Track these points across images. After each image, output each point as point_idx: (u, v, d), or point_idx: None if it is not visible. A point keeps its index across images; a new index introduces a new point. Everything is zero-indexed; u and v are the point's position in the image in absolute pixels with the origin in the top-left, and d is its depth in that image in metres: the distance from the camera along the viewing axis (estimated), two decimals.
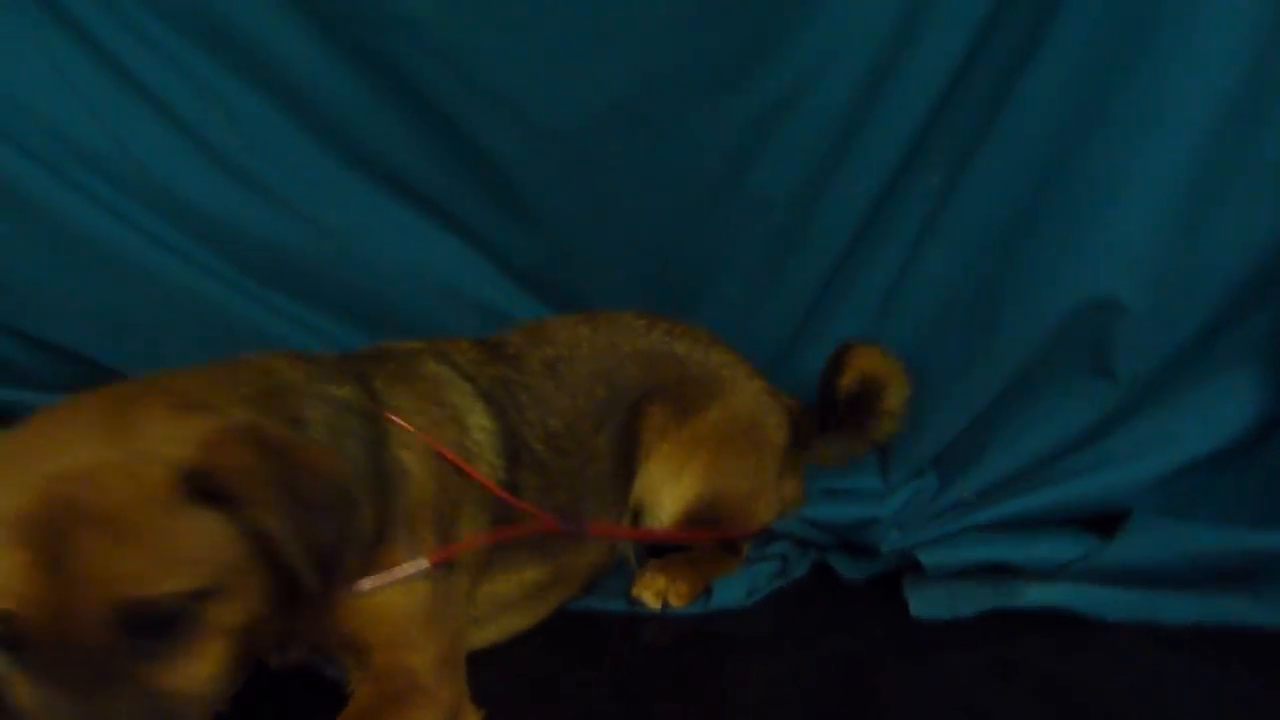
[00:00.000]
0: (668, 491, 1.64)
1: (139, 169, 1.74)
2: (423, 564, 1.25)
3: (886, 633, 1.60)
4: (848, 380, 1.74)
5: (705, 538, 1.68)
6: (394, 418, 1.30)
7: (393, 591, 1.21)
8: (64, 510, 0.90)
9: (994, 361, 1.68)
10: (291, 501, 0.99)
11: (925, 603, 1.59)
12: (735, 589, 1.64)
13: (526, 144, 1.73)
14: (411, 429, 1.30)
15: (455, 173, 1.79)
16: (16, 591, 0.88)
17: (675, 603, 1.61)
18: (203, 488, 0.96)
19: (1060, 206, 1.58)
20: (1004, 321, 1.65)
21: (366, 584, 1.19)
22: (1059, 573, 1.60)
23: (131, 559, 0.91)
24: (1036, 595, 1.57)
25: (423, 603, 1.24)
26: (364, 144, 1.79)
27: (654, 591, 1.61)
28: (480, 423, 1.42)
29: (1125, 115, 1.50)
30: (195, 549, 0.95)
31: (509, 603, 1.48)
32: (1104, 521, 1.64)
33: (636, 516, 1.67)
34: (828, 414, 1.78)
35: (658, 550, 1.70)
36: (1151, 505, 1.62)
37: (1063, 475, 1.66)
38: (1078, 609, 1.55)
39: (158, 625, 0.93)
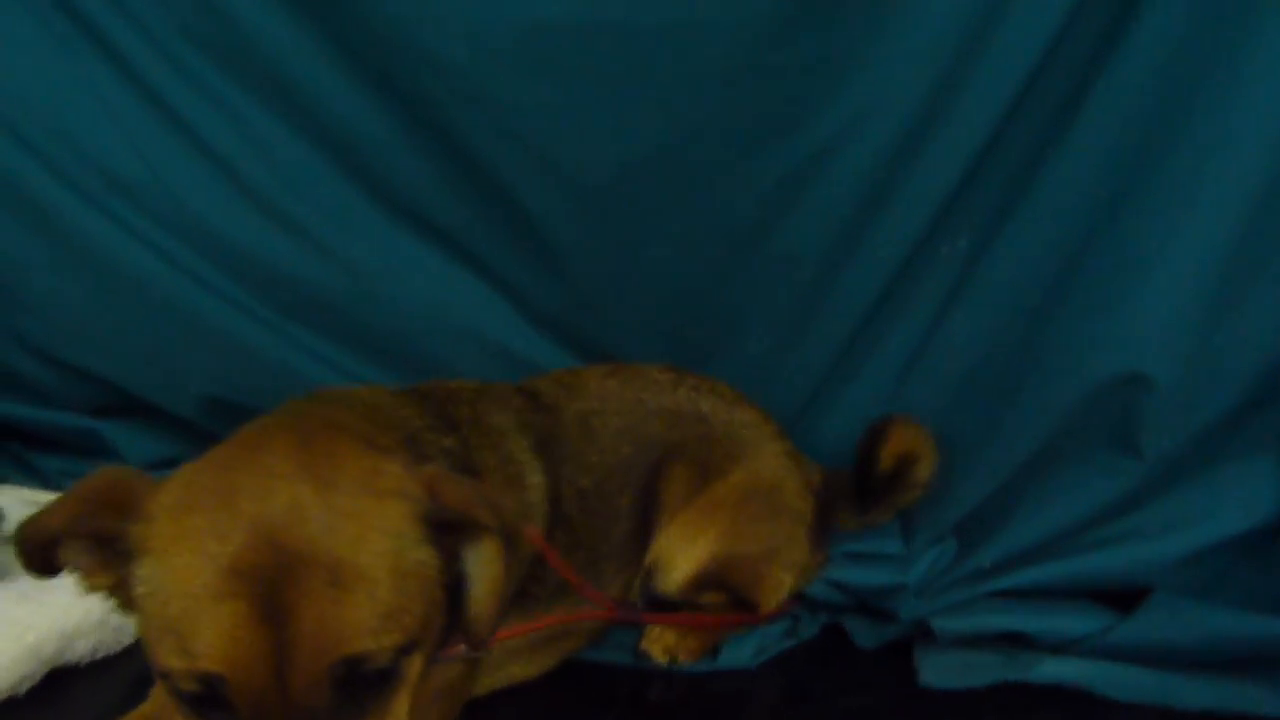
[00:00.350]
0: (682, 554, 1.62)
1: (175, 202, 1.77)
2: (484, 649, 1.17)
3: (895, 699, 1.57)
4: (887, 457, 1.72)
5: (744, 620, 1.66)
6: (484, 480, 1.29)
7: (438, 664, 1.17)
8: (282, 558, 0.84)
9: (1018, 431, 1.66)
10: (506, 563, 0.96)
11: (936, 671, 1.56)
12: (743, 649, 1.62)
13: (556, 192, 1.74)
14: None
15: (484, 217, 1.80)
16: (227, 652, 0.82)
17: (683, 659, 1.59)
18: (440, 528, 0.93)
19: (1090, 279, 1.58)
20: (1029, 391, 1.64)
21: (441, 654, 1.14)
22: (1074, 646, 1.57)
23: (359, 611, 0.86)
24: (1049, 670, 1.53)
25: (454, 673, 1.24)
26: (395, 186, 1.80)
27: (663, 647, 1.59)
28: (535, 481, 1.42)
29: (1160, 193, 1.50)
30: (409, 597, 0.91)
31: (518, 651, 1.46)
32: (1123, 598, 1.61)
33: (648, 576, 1.65)
34: (864, 485, 1.76)
35: (664, 604, 1.69)
36: (1173, 584, 1.59)
37: (1084, 548, 1.64)
38: (1090, 687, 1.51)
39: (370, 684, 0.88)
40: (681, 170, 1.72)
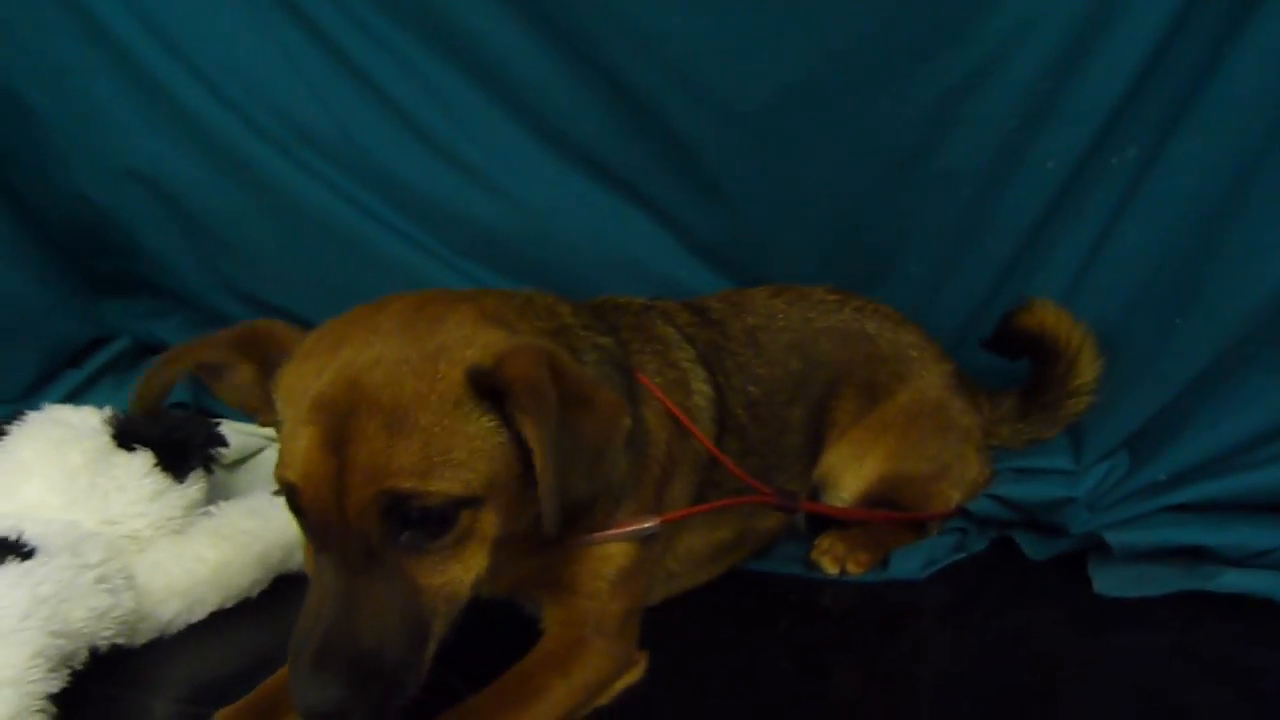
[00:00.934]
0: (851, 472, 1.67)
1: (359, 150, 1.90)
2: (655, 524, 1.31)
3: (1065, 610, 1.59)
4: (1026, 322, 1.74)
5: (902, 517, 1.70)
6: (642, 376, 1.37)
7: (611, 545, 1.28)
8: (353, 397, 0.98)
9: (1193, 342, 1.63)
10: (564, 430, 1.02)
11: (1111, 582, 1.56)
12: (913, 560, 1.65)
13: (715, 122, 1.78)
14: (658, 391, 1.37)
15: (645, 151, 1.86)
16: (301, 467, 0.98)
17: (853, 569, 1.63)
18: (489, 389, 1.02)
19: (1268, 183, 1.53)
20: (1205, 300, 1.60)
21: (598, 536, 1.26)
22: (1257, 560, 1.55)
23: (407, 453, 0.97)
24: (1231, 580, 1.52)
25: (631, 559, 1.31)
26: (561, 126, 1.88)
27: (833, 557, 1.64)
28: (700, 387, 1.48)
29: None
30: (469, 453, 1.01)
31: (700, 560, 1.54)
32: None
33: (817, 492, 1.71)
34: (999, 347, 1.80)
35: (829, 524, 1.73)
36: None
37: (1263, 461, 1.60)
38: (1275, 597, 1.49)
39: (426, 522, 1.00)
40: (838, 92, 1.74)
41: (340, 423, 0.97)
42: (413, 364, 1.01)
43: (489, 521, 1.05)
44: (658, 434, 1.37)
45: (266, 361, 1.14)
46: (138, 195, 1.91)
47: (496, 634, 1.24)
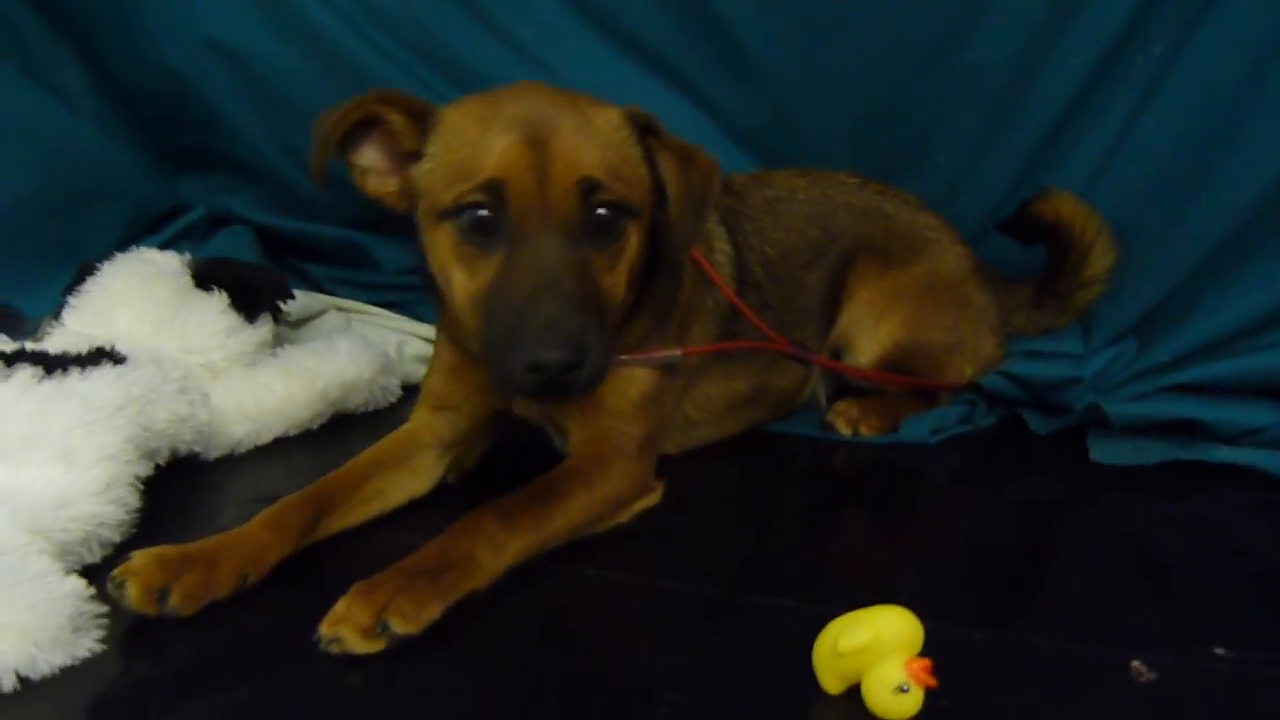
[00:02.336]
0: (867, 336, 1.77)
1: (423, 29, 2.03)
2: (678, 354, 1.46)
3: (1064, 479, 1.69)
4: (1042, 210, 1.82)
5: (915, 383, 1.80)
6: None
7: (636, 371, 1.42)
8: (548, 114, 1.21)
9: (1204, 227, 1.70)
10: (684, 173, 1.30)
11: (1108, 451, 1.65)
12: (922, 426, 1.76)
13: (756, 8, 1.88)
14: None
15: (688, 34, 1.96)
16: (507, 163, 1.17)
17: (866, 431, 1.75)
18: (643, 130, 1.26)
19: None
20: (1216, 187, 1.67)
21: (629, 359, 1.40)
22: (1249, 438, 1.63)
23: (598, 151, 1.21)
24: (1224, 455, 1.60)
25: (654, 387, 1.45)
26: (610, 10, 1.99)
27: (847, 419, 1.76)
28: (721, 245, 1.62)
29: None
30: (631, 173, 1.24)
31: (717, 409, 1.66)
32: None
33: (835, 356, 1.81)
34: (1013, 230, 1.89)
35: (853, 389, 1.84)
36: None
37: (1265, 346, 1.67)
38: (1267, 470, 1.57)
39: (603, 224, 1.22)
40: None
41: (536, 129, 1.19)
42: (578, 105, 1.24)
43: (635, 240, 1.28)
44: (688, 278, 1.49)
45: (412, 111, 1.29)
46: (217, 66, 2.05)
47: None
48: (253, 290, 1.74)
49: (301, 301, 1.94)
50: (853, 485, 1.69)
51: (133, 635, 1.10)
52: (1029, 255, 1.92)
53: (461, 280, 1.24)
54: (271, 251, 2.28)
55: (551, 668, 1.10)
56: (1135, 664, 1.06)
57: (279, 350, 1.78)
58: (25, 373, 1.32)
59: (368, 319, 2.14)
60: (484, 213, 1.19)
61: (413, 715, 1.01)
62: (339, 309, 2.14)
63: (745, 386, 1.67)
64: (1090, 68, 1.80)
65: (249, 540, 1.21)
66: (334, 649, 1.06)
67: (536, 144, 1.18)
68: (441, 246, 1.26)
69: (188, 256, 1.76)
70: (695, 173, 1.32)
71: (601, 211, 1.21)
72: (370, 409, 1.85)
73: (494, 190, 1.18)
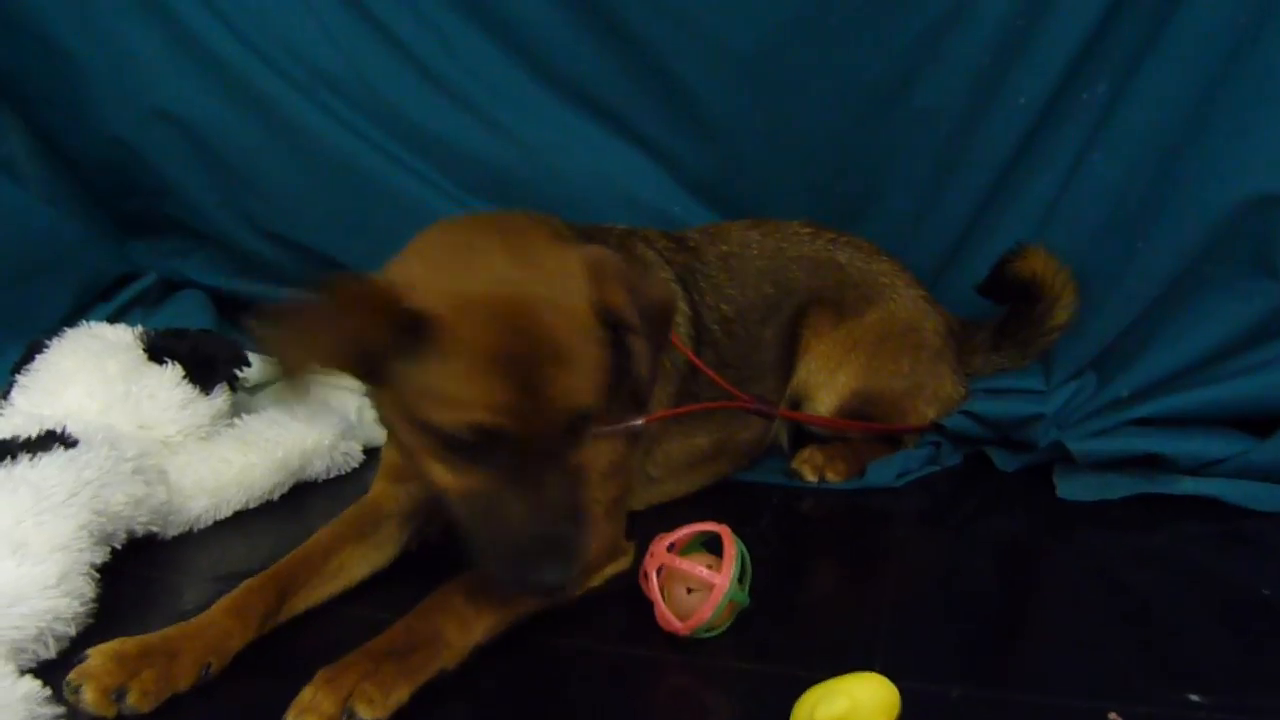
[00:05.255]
0: (825, 387, 1.76)
1: (372, 92, 2.02)
2: (640, 422, 1.45)
3: (1033, 516, 1.69)
4: (1020, 270, 1.82)
5: (877, 429, 1.80)
6: None
7: (602, 442, 1.39)
8: (529, 347, 1.10)
9: (1156, 263, 1.72)
10: (651, 330, 1.25)
11: (1074, 487, 1.66)
12: (888, 471, 1.76)
13: (707, 61, 1.88)
14: None
15: (641, 90, 1.96)
16: (499, 409, 1.09)
17: (831, 478, 1.75)
18: (604, 318, 1.19)
19: (1227, 106, 1.61)
20: (1167, 222, 1.69)
21: (601, 430, 1.36)
22: (1213, 469, 1.65)
23: (578, 380, 1.14)
24: (1189, 487, 1.62)
25: (619, 453, 1.45)
26: (560, 66, 1.98)
27: (812, 466, 1.75)
28: (679, 305, 1.59)
29: None
30: (601, 370, 1.18)
31: (678, 466, 1.65)
32: (1261, 423, 1.67)
33: (794, 408, 1.80)
34: (989, 290, 1.88)
35: (814, 437, 1.83)
36: None
37: (1222, 376, 1.69)
38: (1230, 500, 1.59)
39: (582, 426, 1.18)
40: (823, 32, 1.83)
41: (525, 372, 1.10)
42: (551, 303, 1.13)
43: (601, 409, 1.23)
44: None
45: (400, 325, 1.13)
46: (165, 134, 2.02)
47: None
48: (207, 360, 1.71)
49: (259, 369, 1.91)
50: (822, 532, 1.68)
51: None
52: (981, 299, 1.93)
53: (442, 475, 1.18)
54: (226, 314, 2.25)
55: None
56: (1111, 716, 1.06)
57: (237, 420, 1.74)
58: None
59: (327, 380, 2.11)
60: (472, 440, 1.13)
61: None
62: None
63: (706, 442, 1.67)
64: (1037, 108, 1.82)
65: (210, 629, 1.18)
66: None
67: (527, 386, 1.10)
68: (411, 438, 1.20)
69: (139, 329, 1.73)
70: (659, 330, 1.31)
71: (588, 418, 1.19)
72: (332, 475, 1.81)
73: (484, 433, 1.12)
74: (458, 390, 1.10)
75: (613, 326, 1.20)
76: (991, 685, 1.15)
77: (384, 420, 1.28)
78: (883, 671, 1.14)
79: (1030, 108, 1.83)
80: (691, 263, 1.71)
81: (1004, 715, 1.09)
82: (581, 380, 1.15)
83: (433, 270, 1.16)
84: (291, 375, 1.18)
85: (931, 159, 1.92)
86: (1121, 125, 1.76)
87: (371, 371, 1.16)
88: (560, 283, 1.16)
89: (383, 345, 1.11)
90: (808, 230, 1.87)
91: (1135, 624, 1.32)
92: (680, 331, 1.57)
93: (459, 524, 1.19)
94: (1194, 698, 1.10)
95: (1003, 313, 1.93)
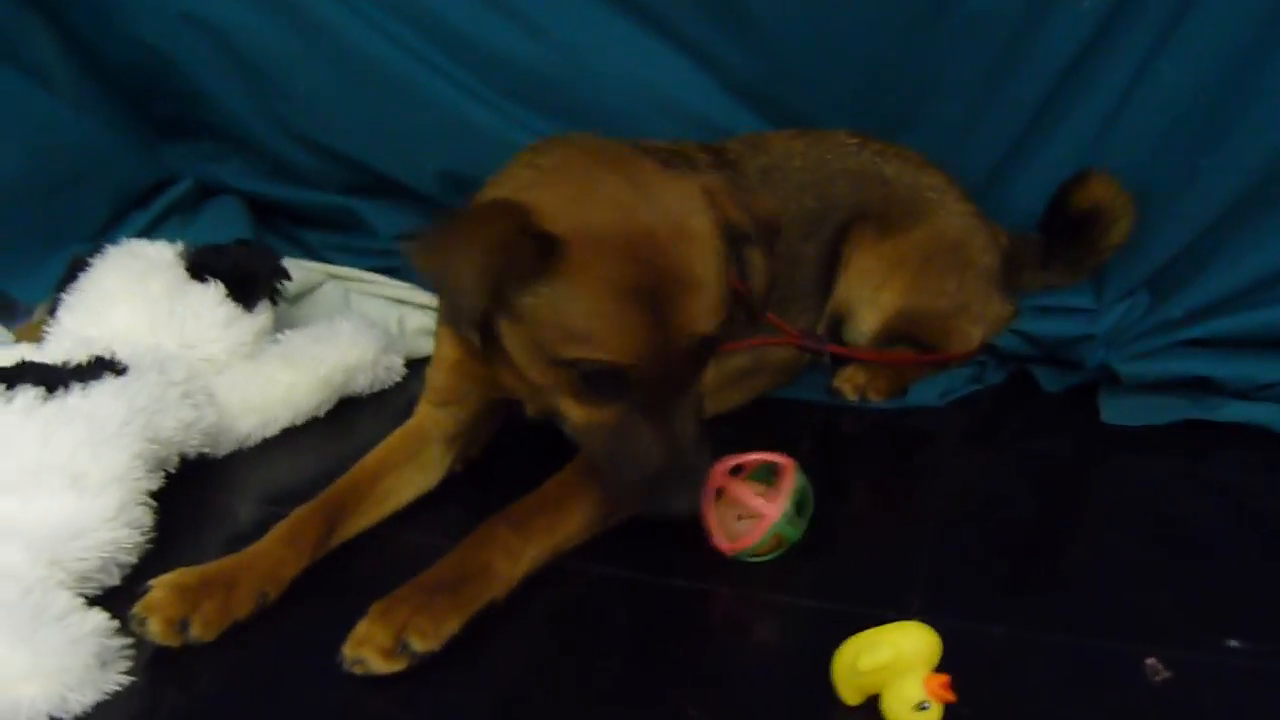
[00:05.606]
0: (867, 305, 1.74)
1: None
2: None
3: (1078, 440, 1.68)
4: (1081, 200, 1.75)
5: (925, 359, 1.77)
6: None
7: None
8: (663, 277, 1.11)
9: (1219, 181, 1.66)
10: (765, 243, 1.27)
11: (1119, 411, 1.65)
12: (931, 390, 1.75)
13: None
14: None
15: None
16: (629, 347, 1.11)
17: (873, 397, 1.74)
18: (730, 237, 1.20)
19: None
20: (1234, 139, 1.62)
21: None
22: (1262, 393, 1.62)
23: (706, 305, 1.15)
24: (1235, 412, 1.60)
25: (749, 361, 1.55)
26: None
27: (854, 385, 1.75)
28: None
29: None
30: (722, 283, 1.19)
31: (715, 385, 1.64)
32: None
33: (834, 327, 1.78)
34: (1055, 236, 1.82)
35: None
36: None
37: (1277, 299, 1.64)
38: (1275, 427, 1.57)
39: (709, 351, 1.19)
40: None
41: (657, 298, 1.11)
42: (678, 229, 1.14)
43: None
44: None
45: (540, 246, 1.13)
46: (195, 39, 1.96)
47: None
48: (249, 276, 1.71)
49: (298, 276, 1.91)
50: (862, 454, 1.69)
51: (159, 665, 1.11)
52: (1036, 209, 1.87)
53: (571, 408, 1.20)
54: (264, 219, 2.23)
55: (568, 680, 1.12)
56: (1150, 661, 1.07)
57: (280, 336, 1.76)
58: (28, 395, 1.30)
59: (366, 288, 2.11)
60: (603, 375, 1.14)
61: None
62: (335, 277, 2.11)
63: (744, 361, 1.66)
64: (1101, 13, 1.71)
65: (265, 558, 1.21)
66: (357, 670, 1.08)
67: (659, 320, 1.11)
68: (542, 373, 1.20)
69: (180, 246, 1.72)
70: (770, 242, 1.30)
71: (713, 344, 1.19)
72: (375, 390, 1.83)
73: (616, 371, 1.13)
74: (589, 325, 1.12)
75: (732, 243, 1.22)
76: (1032, 625, 1.16)
77: (513, 356, 1.23)
78: (922, 609, 1.17)
79: (1094, 13, 1.71)
80: (731, 178, 1.65)
81: (1043, 658, 1.11)
82: (710, 305, 1.16)
83: (554, 195, 1.16)
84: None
85: (984, 67, 1.81)
86: (1191, 33, 1.65)
87: (503, 303, 1.16)
88: (683, 207, 1.17)
89: (520, 265, 1.11)
90: (853, 141, 1.80)
91: (1178, 559, 1.32)
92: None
93: (588, 454, 1.26)
94: (1233, 643, 1.11)
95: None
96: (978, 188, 1.89)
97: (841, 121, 1.86)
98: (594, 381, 1.16)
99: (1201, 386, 1.65)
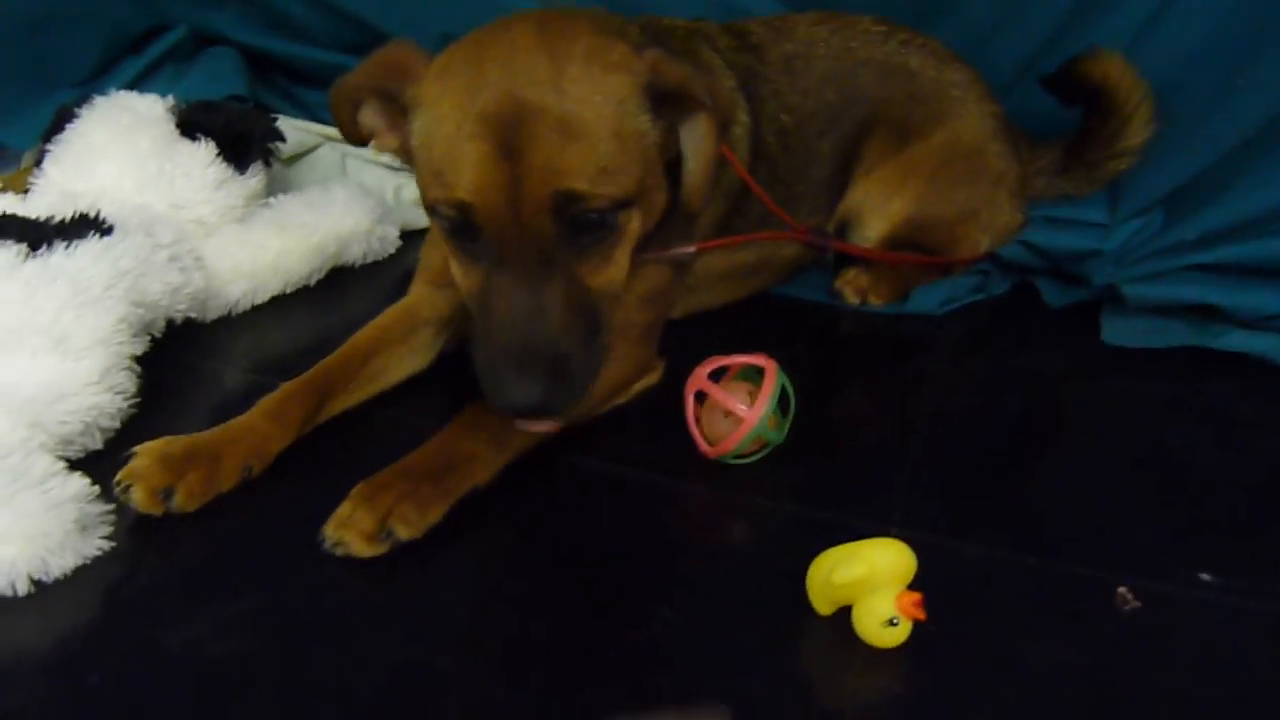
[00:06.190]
0: (878, 213, 1.68)
1: None
2: (692, 250, 1.40)
3: (1072, 355, 1.66)
4: (1090, 70, 1.68)
5: (931, 261, 1.73)
6: None
7: (649, 266, 1.35)
8: (518, 108, 1.02)
9: (1252, 102, 1.58)
10: (712, 141, 1.14)
11: (1120, 331, 1.62)
12: (932, 296, 1.72)
13: None
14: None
15: None
16: (475, 182, 1.03)
17: (874, 301, 1.72)
18: (659, 100, 1.10)
19: None
20: (1268, 62, 1.54)
21: (649, 255, 1.32)
22: (1266, 323, 1.59)
23: (579, 156, 1.03)
24: (1236, 340, 1.57)
25: (663, 279, 1.41)
26: None
27: (855, 288, 1.72)
28: (740, 117, 1.49)
29: None
30: (627, 156, 1.08)
31: (718, 278, 1.62)
32: None
33: (841, 229, 1.73)
34: (1057, 89, 1.75)
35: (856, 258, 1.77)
36: None
37: None
38: (1277, 359, 1.55)
39: (589, 226, 1.08)
40: None
41: (509, 133, 1.02)
42: (569, 73, 1.05)
43: (637, 222, 1.15)
44: None
45: (390, 93, 1.15)
46: None
47: None
48: (242, 137, 1.66)
49: (293, 137, 1.86)
50: (857, 353, 1.67)
51: (140, 532, 1.12)
52: (1059, 110, 1.80)
53: (456, 271, 1.15)
54: (261, 75, 2.16)
55: (544, 572, 1.13)
56: (1121, 590, 1.08)
57: (272, 200, 1.72)
58: (9, 251, 1.28)
59: (363, 153, 2.05)
60: (461, 222, 1.08)
61: (415, 624, 1.04)
62: (332, 140, 2.05)
63: (751, 257, 1.63)
64: None
65: (251, 432, 1.21)
66: (338, 551, 1.09)
67: (509, 155, 1.02)
68: (435, 226, 1.17)
69: (171, 101, 1.66)
70: (727, 134, 1.20)
71: (590, 215, 1.07)
72: (368, 260, 1.80)
73: (464, 210, 1.05)
74: (441, 156, 1.06)
75: (666, 109, 1.12)
76: (1008, 546, 1.17)
77: None
78: (901, 522, 1.18)
79: None
80: (754, 66, 1.58)
81: (1015, 580, 1.12)
82: (586, 158, 1.03)
83: (455, 46, 1.12)
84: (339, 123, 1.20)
85: None
86: None
87: (405, 147, 1.15)
88: (587, 51, 1.08)
89: (381, 95, 1.13)
90: (880, 28, 1.72)
91: (1160, 486, 1.32)
92: (738, 147, 1.48)
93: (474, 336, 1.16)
94: (1205, 577, 1.12)
95: (1073, 134, 1.81)
96: (1002, 86, 1.81)
97: (867, 7, 1.77)
98: (457, 235, 1.09)
99: (1204, 313, 1.62)
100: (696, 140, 1.15)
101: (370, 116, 1.19)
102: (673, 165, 1.20)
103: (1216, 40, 1.63)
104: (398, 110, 1.15)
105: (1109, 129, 1.72)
